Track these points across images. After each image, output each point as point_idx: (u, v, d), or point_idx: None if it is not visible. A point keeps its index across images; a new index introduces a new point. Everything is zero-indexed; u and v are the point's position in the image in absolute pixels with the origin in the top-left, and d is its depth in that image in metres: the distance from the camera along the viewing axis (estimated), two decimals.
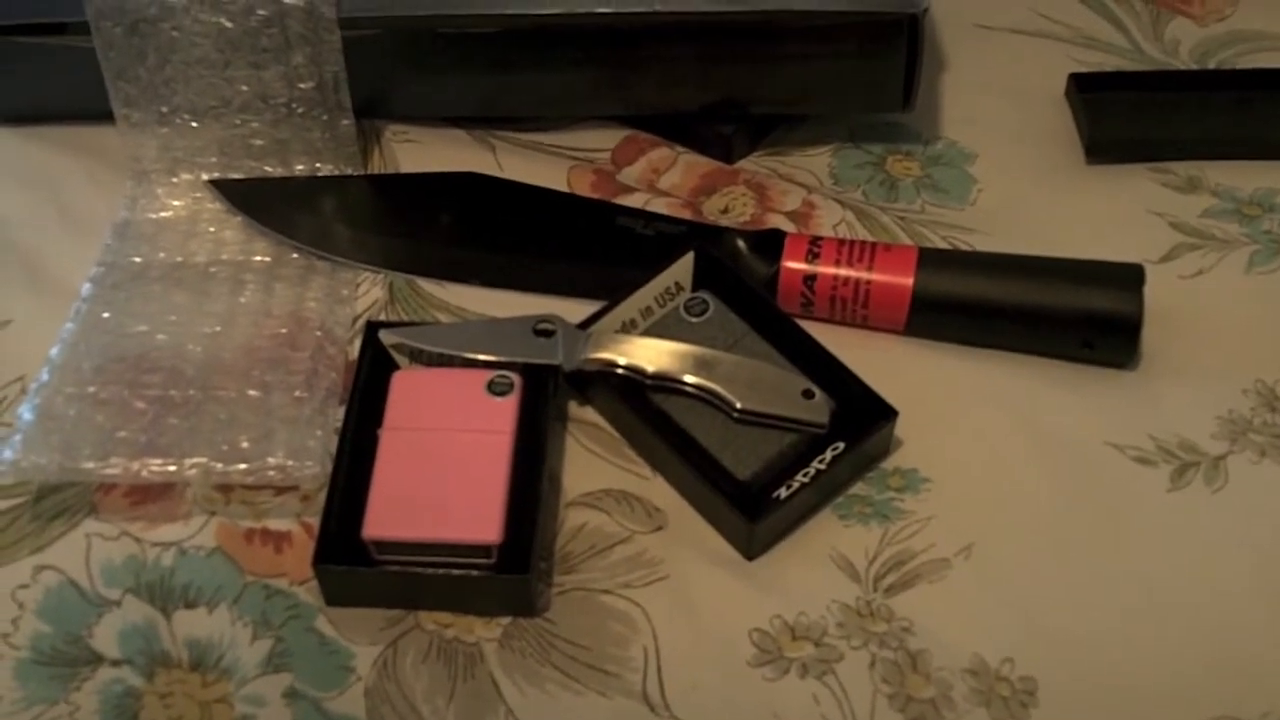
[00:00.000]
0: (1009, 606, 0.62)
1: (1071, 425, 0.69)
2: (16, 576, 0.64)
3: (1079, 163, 0.84)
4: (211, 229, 0.79)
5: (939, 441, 0.69)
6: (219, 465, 0.66)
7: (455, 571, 0.61)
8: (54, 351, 0.71)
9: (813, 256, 0.72)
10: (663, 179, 0.83)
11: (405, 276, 0.77)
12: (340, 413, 0.68)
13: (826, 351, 0.68)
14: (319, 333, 0.73)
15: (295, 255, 0.77)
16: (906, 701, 0.59)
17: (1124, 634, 0.61)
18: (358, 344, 0.70)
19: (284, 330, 0.73)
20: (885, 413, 0.66)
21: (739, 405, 0.66)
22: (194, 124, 0.79)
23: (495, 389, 0.66)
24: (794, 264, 0.72)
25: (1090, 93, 0.86)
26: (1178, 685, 0.60)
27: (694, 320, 0.71)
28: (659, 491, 0.67)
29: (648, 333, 0.71)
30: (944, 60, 0.91)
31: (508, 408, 0.65)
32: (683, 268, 0.72)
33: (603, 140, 0.85)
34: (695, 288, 0.72)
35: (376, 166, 0.83)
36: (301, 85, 0.78)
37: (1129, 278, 0.70)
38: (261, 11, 0.75)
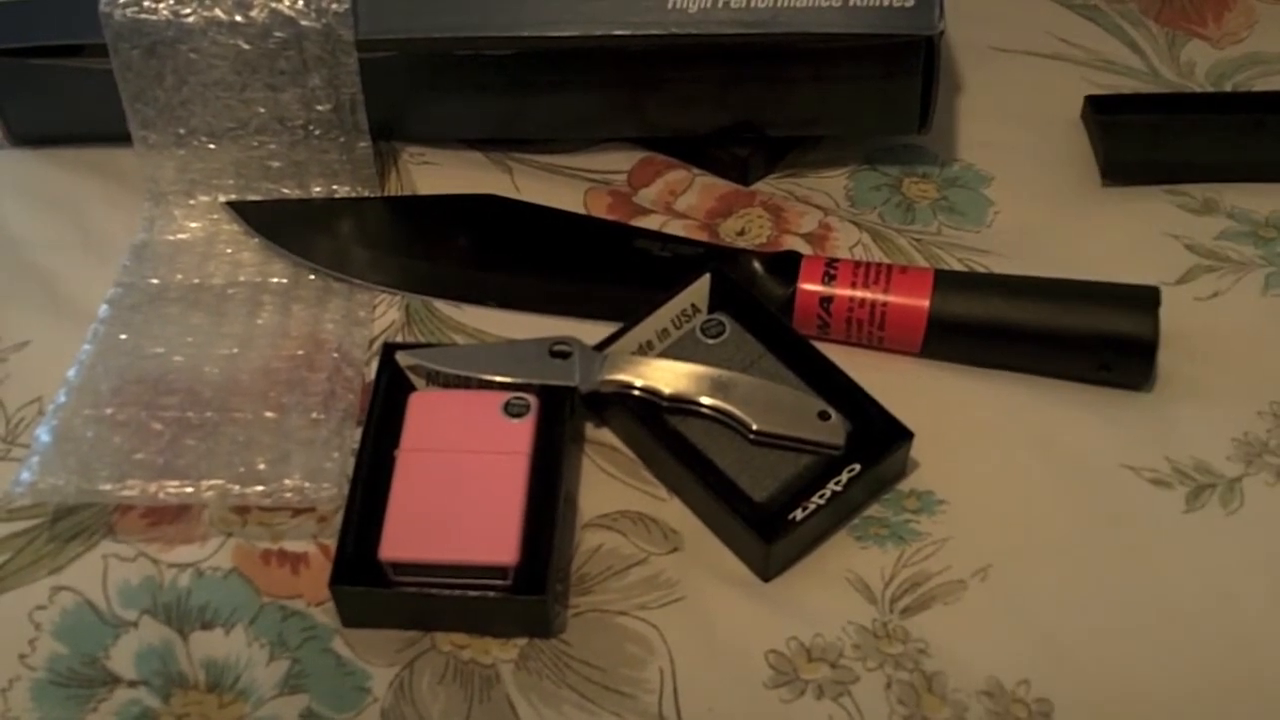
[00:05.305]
0: (1025, 628, 0.62)
1: (1087, 447, 0.69)
2: (34, 597, 0.64)
3: (1095, 185, 0.84)
4: (229, 251, 0.79)
5: (955, 463, 0.68)
6: (236, 487, 0.66)
7: (472, 593, 0.61)
8: (71, 373, 0.71)
9: (829, 278, 0.72)
10: (679, 201, 0.83)
11: (422, 298, 0.77)
12: (357, 434, 0.68)
13: (842, 373, 0.68)
14: (336, 354, 0.73)
15: (312, 277, 0.77)
16: None
17: (1140, 655, 0.61)
18: (375, 366, 0.70)
19: (301, 352, 0.73)
20: (901, 434, 0.66)
21: (755, 427, 0.66)
22: (211, 146, 0.80)
23: (512, 410, 0.66)
24: (810, 286, 0.72)
25: (1106, 115, 0.86)
26: (1194, 706, 0.60)
27: (710, 342, 0.71)
28: (675, 513, 0.67)
29: (664, 354, 0.71)
30: (960, 83, 0.91)
31: (524, 429, 0.65)
32: (699, 290, 0.72)
33: (619, 162, 0.85)
34: (712, 310, 0.73)
35: (394, 188, 0.84)
36: (319, 107, 0.78)
37: (1145, 300, 0.70)
38: (279, 34, 0.76)
